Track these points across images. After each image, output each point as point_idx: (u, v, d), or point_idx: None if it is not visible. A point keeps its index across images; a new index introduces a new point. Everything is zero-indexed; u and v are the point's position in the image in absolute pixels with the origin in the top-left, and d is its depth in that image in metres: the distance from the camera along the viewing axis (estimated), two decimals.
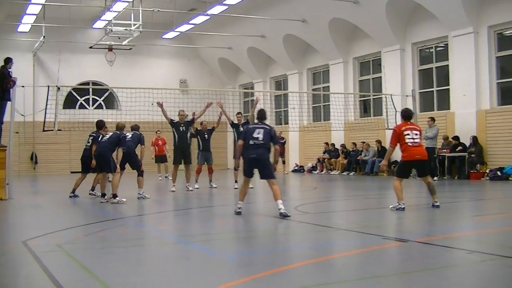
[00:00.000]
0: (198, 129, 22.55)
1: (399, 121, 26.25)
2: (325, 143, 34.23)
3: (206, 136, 22.39)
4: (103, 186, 18.25)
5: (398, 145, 14.82)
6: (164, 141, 28.59)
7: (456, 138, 26.07)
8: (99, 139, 18.47)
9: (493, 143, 25.56)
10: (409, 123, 14.89)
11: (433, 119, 26.42)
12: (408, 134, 14.54)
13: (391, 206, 14.47)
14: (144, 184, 18.58)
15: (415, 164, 14.94)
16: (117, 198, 16.98)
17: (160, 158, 29.04)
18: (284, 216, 13.21)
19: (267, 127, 14.35)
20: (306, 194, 19.25)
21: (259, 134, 14.20)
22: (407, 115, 15.05)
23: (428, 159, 15.38)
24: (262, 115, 14.80)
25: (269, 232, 11.77)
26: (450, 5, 26.13)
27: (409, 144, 14.49)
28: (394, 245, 9.56)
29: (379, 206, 16.75)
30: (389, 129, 27.09)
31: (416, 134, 14.61)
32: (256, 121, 14.89)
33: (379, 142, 30.17)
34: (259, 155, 14.02)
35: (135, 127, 19.30)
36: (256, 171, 14.13)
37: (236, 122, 21.79)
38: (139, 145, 18.51)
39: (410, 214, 14.55)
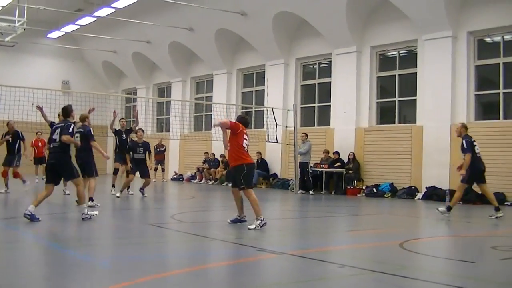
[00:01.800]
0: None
1: (280, 134, 26.77)
2: (205, 153, 34.19)
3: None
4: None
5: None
6: (44, 143, 27.97)
7: (337, 153, 26.51)
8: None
9: (370, 160, 26.10)
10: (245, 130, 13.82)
11: (306, 134, 26.88)
12: (246, 139, 13.69)
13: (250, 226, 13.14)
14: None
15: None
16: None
17: (39, 160, 28.51)
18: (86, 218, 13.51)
19: (64, 124, 13.79)
20: (184, 203, 19.23)
21: (57, 135, 13.67)
22: (245, 121, 14.15)
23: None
24: (65, 112, 14.13)
25: (145, 239, 11.66)
26: (335, 24, 26.58)
27: (246, 149, 13.68)
28: (268, 257, 9.62)
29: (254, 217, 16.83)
30: (269, 141, 27.41)
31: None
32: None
33: (259, 153, 30.34)
34: (55, 159, 13.70)
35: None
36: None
37: (119, 128, 21.62)
38: None
39: (286, 226, 14.73)
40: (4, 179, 21.55)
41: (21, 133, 21.86)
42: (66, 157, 13.59)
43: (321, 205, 21.42)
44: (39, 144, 28.26)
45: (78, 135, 15.80)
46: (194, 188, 29.03)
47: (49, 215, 15.62)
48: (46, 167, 14.18)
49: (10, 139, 21.59)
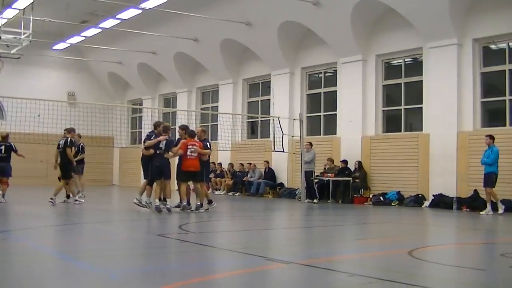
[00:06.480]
0: None
1: (286, 143, 26.72)
2: (211, 162, 34.09)
3: None
4: None
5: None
6: None
7: (345, 162, 26.44)
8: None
9: (377, 169, 26.05)
10: (193, 140, 19.16)
11: (310, 143, 26.77)
12: (190, 148, 18.77)
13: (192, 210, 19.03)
14: None
15: (190, 173, 19.09)
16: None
17: None
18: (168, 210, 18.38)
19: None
20: (190, 213, 19.16)
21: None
22: (192, 133, 19.52)
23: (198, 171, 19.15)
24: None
25: (153, 250, 11.63)
26: (340, 33, 26.60)
27: (188, 156, 18.77)
28: (277, 267, 9.58)
29: (263, 227, 16.82)
30: (276, 151, 27.33)
31: (195, 150, 18.91)
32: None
33: (267, 162, 30.31)
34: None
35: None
36: None
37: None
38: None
39: (294, 235, 14.70)
40: None
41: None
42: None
43: (328, 214, 21.40)
44: None
45: None
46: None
47: (57, 226, 15.64)
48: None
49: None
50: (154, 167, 18.75)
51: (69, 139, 21.35)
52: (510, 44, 22.86)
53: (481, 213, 20.23)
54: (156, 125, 19.83)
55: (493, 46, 23.56)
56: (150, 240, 13.05)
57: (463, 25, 23.34)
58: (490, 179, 20.18)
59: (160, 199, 19.01)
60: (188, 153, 18.70)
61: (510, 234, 15.81)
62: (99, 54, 40.22)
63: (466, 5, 23.22)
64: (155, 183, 19.11)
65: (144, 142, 19.87)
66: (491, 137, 20.52)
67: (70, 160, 21.28)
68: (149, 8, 28.53)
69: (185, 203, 19.38)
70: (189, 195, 19.86)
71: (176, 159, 19.90)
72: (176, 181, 19.93)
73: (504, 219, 19.14)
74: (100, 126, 24.42)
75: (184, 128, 20.30)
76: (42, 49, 38.92)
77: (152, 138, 19.11)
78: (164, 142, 18.71)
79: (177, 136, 20.54)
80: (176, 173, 19.79)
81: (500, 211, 20.24)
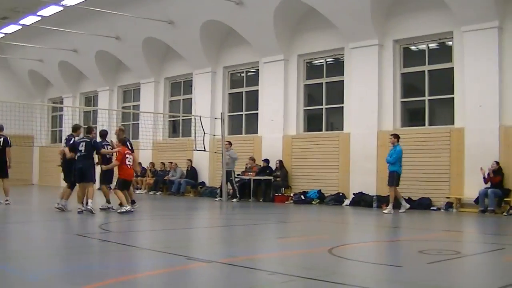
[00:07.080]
0: None
1: (207, 142, 26.69)
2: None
3: None
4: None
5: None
6: None
7: (266, 161, 26.52)
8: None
9: (298, 167, 26.21)
10: (125, 148, 19.21)
11: (229, 142, 26.81)
12: (127, 158, 18.90)
13: (119, 211, 18.53)
14: None
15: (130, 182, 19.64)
16: None
17: None
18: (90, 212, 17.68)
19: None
20: (111, 212, 18.99)
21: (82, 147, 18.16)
22: (124, 142, 19.48)
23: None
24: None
25: (73, 250, 11.47)
26: (262, 32, 26.67)
27: (128, 166, 18.97)
28: (198, 266, 9.55)
29: (184, 226, 16.77)
30: (197, 150, 27.27)
31: (132, 159, 19.22)
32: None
33: (190, 161, 30.18)
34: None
35: None
36: None
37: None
38: None
39: (215, 234, 14.69)
40: None
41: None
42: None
43: (249, 213, 21.43)
44: None
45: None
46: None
47: None
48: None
49: None
50: (76, 169, 18.27)
51: (7, 138, 20.91)
52: (429, 45, 23.29)
53: (384, 211, 20.48)
54: (75, 128, 19.53)
55: (413, 47, 23.94)
56: (70, 240, 12.87)
57: (384, 27, 23.67)
58: (392, 178, 20.48)
59: (83, 203, 18.23)
60: (127, 162, 18.99)
61: (428, 232, 16.06)
62: (19, 52, 39.49)
63: (387, 7, 23.58)
64: (77, 186, 18.65)
65: (65, 145, 19.41)
66: (396, 136, 20.86)
67: (8, 159, 20.91)
68: (71, 6, 28.15)
69: (111, 205, 19.60)
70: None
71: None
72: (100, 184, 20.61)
73: (422, 217, 19.45)
74: (19, 125, 23.95)
75: (103, 133, 20.42)
76: None
77: (71, 142, 18.74)
78: (84, 144, 18.23)
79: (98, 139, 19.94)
80: (103, 177, 20.44)
81: (402, 209, 20.47)
